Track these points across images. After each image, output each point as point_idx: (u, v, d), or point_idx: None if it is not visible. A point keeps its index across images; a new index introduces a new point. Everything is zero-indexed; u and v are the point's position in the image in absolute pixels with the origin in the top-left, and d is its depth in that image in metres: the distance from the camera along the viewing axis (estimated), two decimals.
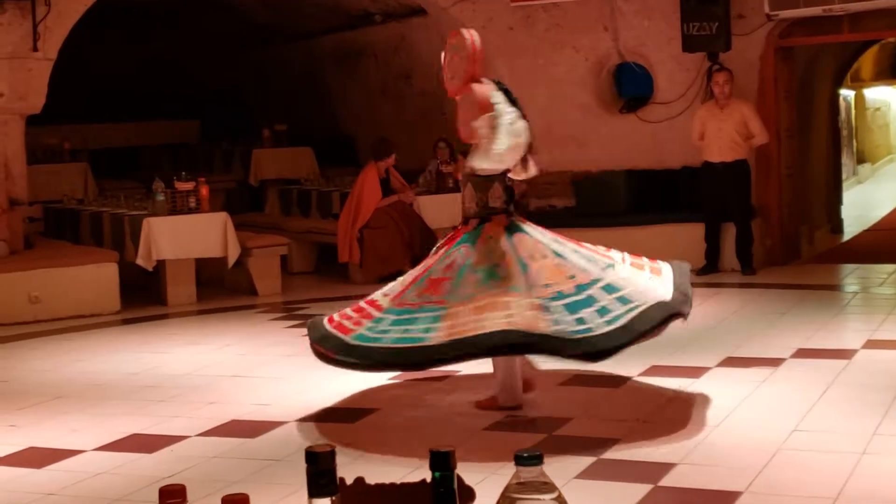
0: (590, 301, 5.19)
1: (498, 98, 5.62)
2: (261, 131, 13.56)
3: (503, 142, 5.53)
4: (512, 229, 5.63)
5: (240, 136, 14.17)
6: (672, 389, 5.95)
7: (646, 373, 6.30)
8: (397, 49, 12.49)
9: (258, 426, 5.63)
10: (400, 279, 5.86)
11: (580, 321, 5.08)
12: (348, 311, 5.69)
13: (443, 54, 5.97)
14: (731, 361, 6.52)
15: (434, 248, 5.97)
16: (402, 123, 12.26)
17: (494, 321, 5.06)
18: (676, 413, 5.52)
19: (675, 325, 5.80)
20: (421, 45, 11.95)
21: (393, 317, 5.37)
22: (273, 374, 6.82)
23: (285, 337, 7.90)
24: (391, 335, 5.25)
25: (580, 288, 5.26)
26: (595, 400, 5.89)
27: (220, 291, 9.86)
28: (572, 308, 5.15)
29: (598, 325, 5.07)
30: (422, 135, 11.53)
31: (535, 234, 5.65)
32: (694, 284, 8.96)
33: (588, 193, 10.59)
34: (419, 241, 9.77)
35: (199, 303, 9.50)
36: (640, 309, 5.18)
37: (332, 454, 1.26)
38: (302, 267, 11.09)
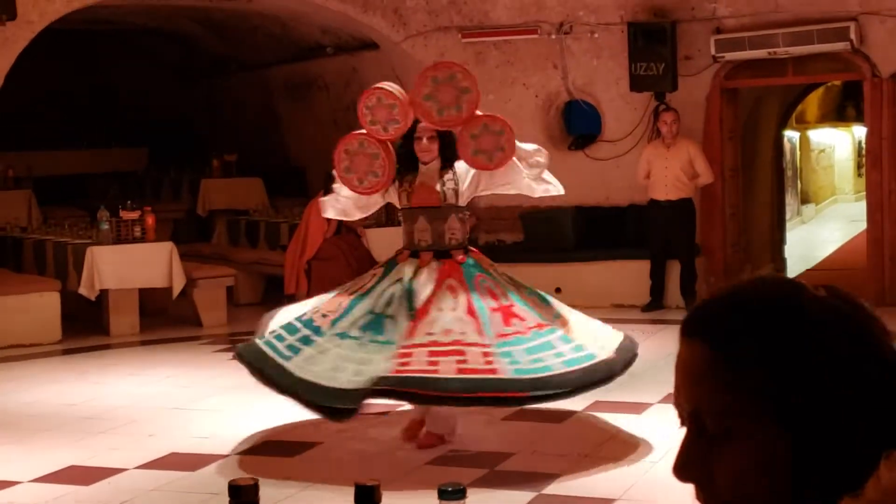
0: (547, 346, 5.30)
1: None
2: (210, 161, 13.48)
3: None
4: (441, 268, 5.64)
5: (189, 166, 14.09)
6: (614, 425, 5.97)
7: (589, 408, 6.32)
8: (349, 82, 12.51)
9: (198, 459, 5.56)
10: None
11: (537, 360, 5.19)
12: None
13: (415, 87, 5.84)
14: (672, 398, 6.55)
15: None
16: None
17: (446, 366, 5.13)
18: (618, 448, 5.54)
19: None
20: (373, 79, 11.91)
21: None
22: (214, 407, 6.75)
23: (228, 369, 7.81)
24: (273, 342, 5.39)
25: (536, 334, 5.35)
26: (538, 435, 5.89)
27: (165, 322, 9.74)
28: (531, 350, 5.25)
29: (556, 365, 5.17)
30: None
31: (471, 277, 5.63)
32: (639, 321, 9.09)
33: (536, 229, 10.65)
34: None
35: (142, 333, 9.38)
36: (596, 360, 5.27)
37: (255, 487, 1.25)
38: (249, 298, 11.00)
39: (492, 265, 5.85)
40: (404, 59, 10.97)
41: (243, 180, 13.21)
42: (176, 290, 9.39)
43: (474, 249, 5.98)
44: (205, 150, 14.21)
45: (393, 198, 5.85)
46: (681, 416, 1.04)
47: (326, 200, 6.29)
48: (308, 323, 5.50)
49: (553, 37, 10.44)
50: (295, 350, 5.34)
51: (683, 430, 1.04)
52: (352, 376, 5.11)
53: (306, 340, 5.37)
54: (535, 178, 5.83)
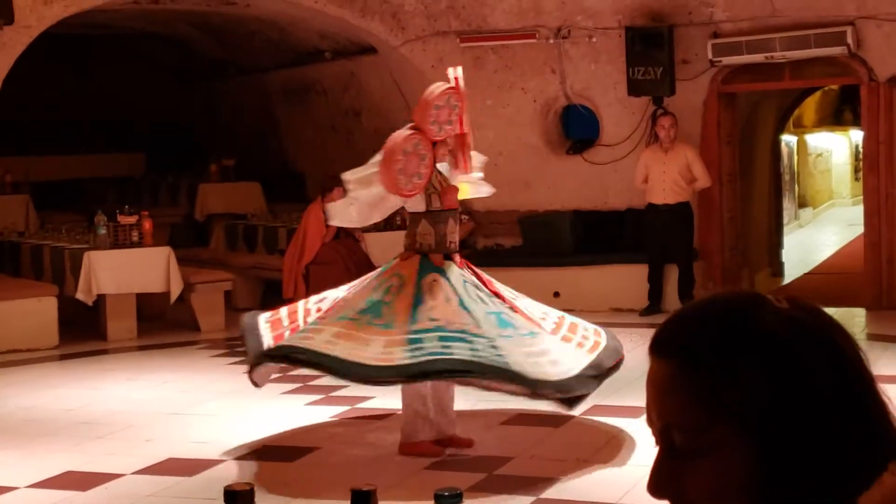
0: (465, 340, 5.21)
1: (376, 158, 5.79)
2: (208, 165, 13.48)
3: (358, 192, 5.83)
4: (426, 268, 5.61)
5: (186, 170, 14.08)
6: (613, 429, 5.97)
7: (587, 412, 6.31)
8: (347, 86, 12.52)
9: (195, 464, 5.55)
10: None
11: (445, 347, 5.15)
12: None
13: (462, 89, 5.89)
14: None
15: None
16: (351, 160, 12.16)
17: (341, 350, 5.20)
18: (616, 452, 5.54)
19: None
20: (371, 83, 11.99)
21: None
22: (212, 412, 6.74)
23: (226, 374, 7.82)
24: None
25: (463, 331, 5.25)
26: (536, 439, 5.89)
27: (162, 327, 9.73)
28: (444, 339, 5.19)
29: (461, 351, 5.13)
30: None
31: (453, 280, 5.55)
32: (637, 325, 9.08)
33: (534, 233, 10.65)
34: None
35: (139, 338, 9.36)
36: (507, 364, 5.13)
37: (250, 493, 1.25)
38: (247, 303, 10.97)
39: None
40: (402, 64, 10.97)
41: (241, 185, 13.21)
42: (173, 295, 9.38)
43: None
44: (203, 155, 14.20)
45: (416, 200, 5.75)
46: (653, 433, 1.06)
47: (334, 207, 6.16)
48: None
49: (551, 41, 10.44)
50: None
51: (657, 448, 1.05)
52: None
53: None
54: (472, 181, 6.11)
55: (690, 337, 1.04)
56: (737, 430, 1.00)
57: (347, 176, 5.90)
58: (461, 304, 5.40)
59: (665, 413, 1.03)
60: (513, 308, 5.56)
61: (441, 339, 5.17)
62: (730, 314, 1.04)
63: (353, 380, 5.41)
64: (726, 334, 1.02)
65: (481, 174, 6.23)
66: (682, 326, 1.06)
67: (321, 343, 5.25)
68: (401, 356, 5.12)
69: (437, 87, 5.72)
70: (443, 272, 5.55)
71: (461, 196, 6.01)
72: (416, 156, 5.61)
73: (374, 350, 5.17)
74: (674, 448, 1.02)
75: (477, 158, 6.17)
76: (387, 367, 5.11)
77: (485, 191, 6.27)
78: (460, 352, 5.10)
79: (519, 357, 5.16)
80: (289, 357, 5.39)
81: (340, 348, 5.20)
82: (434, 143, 5.71)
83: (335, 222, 6.34)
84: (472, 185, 6.19)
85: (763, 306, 1.04)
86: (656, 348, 1.06)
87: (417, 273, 5.53)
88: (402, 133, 5.68)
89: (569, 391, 5.22)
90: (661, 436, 1.04)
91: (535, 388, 5.15)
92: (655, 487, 1.03)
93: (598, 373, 5.43)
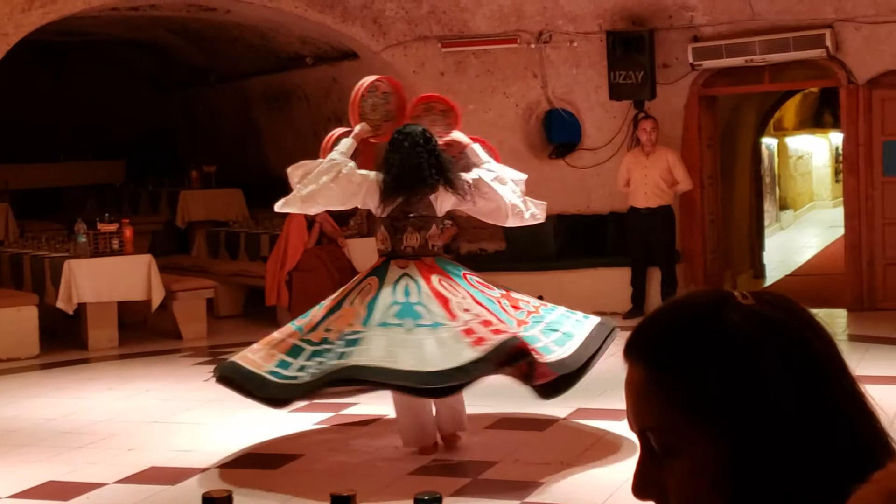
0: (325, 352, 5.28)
1: (340, 146, 6.01)
2: (189, 172, 13.42)
3: (307, 186, 5.91)
4: (376, 272, 5.69)
5: (167, 178, 14.01)
6: (597, 432, 5.97)
7: (572, 415, 6.31)
8: (329, 92, 12.49)
9: (178, 473, 5.51)
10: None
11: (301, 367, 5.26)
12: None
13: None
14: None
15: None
16: None
17: (252, 357, 5.38)
18: (601, 455, 5.53)
19: (600, 369, 5.84)
20: (352, 89, 11.95)
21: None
22: (195, 420, 6.70)
23: (208, 382, 7.76)
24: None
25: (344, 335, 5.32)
26: (521, 443, 5.88)
27: (144, 335, 9.67)
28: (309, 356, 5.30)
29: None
30: None
31: (393, 286, 5.57)
32: (621, 328, 9.07)
33: (518, 237, 10.63)
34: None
35: (120, 347, 9.30)
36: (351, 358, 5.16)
37: (228, 499, 1.23)
38: (229, 310, 10.94)
39: None
40: (384, 69, 10.93)
41: (223, 191, 13.16)
42: (155, 303, 9.33)
43: None
44: (184, 162, 14.15)
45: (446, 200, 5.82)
46: (636, 436, 1.07)
47: (289, 199, 6.05)
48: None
49: (532, 46, 10.46)
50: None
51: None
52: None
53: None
54: None
55: (656, 340, 1.05)
56: (707, 431, 1.00)
57: (290, 170, 5.98)
58: (373, 299, 5.41)
59: (640, 416, 1.05)
60: (443, 302, 5.45)
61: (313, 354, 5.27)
62: (692, 315, 1.05)
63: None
64: (688, 336, 1.03)
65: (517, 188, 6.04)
66: (649, 330, 1.07)
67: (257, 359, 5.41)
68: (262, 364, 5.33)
69: (364, 81, 5.97)
70: (382, 274, 5.57)
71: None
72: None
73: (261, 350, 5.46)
74: (652, 450, 1.04)
75: (518, 176, 6.06)
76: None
77: (536, 215, 6.21)
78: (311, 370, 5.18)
79: (374, 346, 5.14)
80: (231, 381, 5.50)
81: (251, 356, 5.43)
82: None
83: (287, 208, 6.29)
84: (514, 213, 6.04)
85: (727, 304, 1.05)
86: (628, 352, 1.07)
87: (362, 278, 5.63)
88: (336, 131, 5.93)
89: (418, 381, 5.11)
90: (640, 438, 1.05)
91: (367, 377, 5.15)
92: (638, 489, 1.05)
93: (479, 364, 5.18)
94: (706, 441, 1.00)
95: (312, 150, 12.80)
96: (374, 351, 5.10)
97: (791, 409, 1.00)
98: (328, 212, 10.25)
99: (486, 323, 5.29)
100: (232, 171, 13.51)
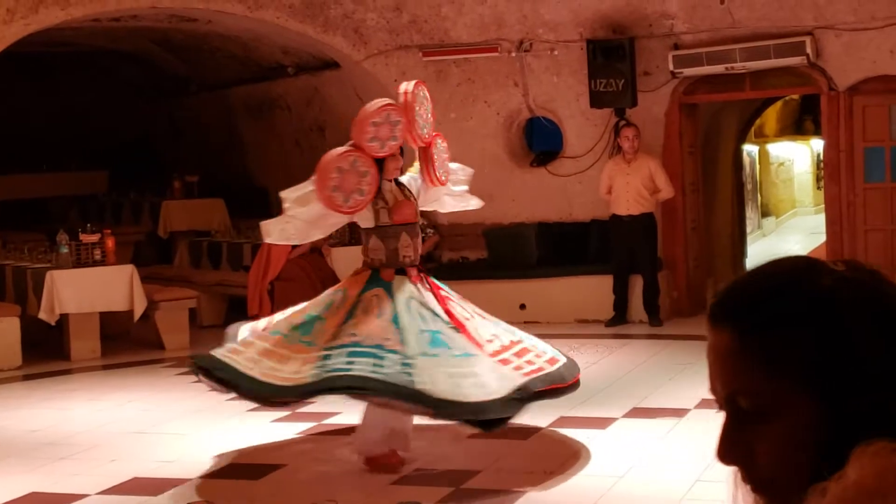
0: (374, 356, 5.21)
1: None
2: (171, 182, 13.40)
3: (297, 210, 5.79)
4: (371, 283, 5.65)
5: (149, 188, 13.98)
6: (579, 440, 5.98)
7: (554, 424, 6.32)
8: (311, 101, 12.50)
9: (161, 483, 5.50)
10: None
11: (349, 363, 5.18)
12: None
13: (408, 103, 5.87)
14: (637, 412, 6.58)
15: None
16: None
17: (259, 368, 5.28)
18: (583, 464, 5.55)
19: (583, 377, 5.87)
20: (334, 98, 11.98)
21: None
22: (177, 431, 6.68)
23: (191, 392, 7.75)
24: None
25: (378, 346, 5.27)
26: (503, 452, 5.89)
27: (126, 346, 9.64)
28: (352, 354, 5.23)
29: (362, 368, 5.13)
30: None
31: (397, 297, 5.56)
32: (602, 336, 9.12)
33: (499, 246, 10.67)
34: None
35: (103, 358, 9.27)
36: (413, 381, 5.13)
37: None
38: (212, 320, 10.90)
39: None
40: (365, 78, 10.98)
41: (205, 201, 13.13)
42: (137, 314, 9.31)
43: None
44: (166, 172, 14.12)
45: (364, 216, 5.76)
46: (718, 401, 1.08)
47: (269, 224, 5.91)
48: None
49: (513, 55, 10.49)
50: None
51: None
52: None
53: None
54: (455, 194, 6.31)
55: (750, 304, 1.07)
56: (799, 392, 1.02)
57: (285, 194, 5.85)
58: (394, 319, 5.41)
59: (729, 380, 1.06)
60: (459, 328, 5.51)
61: (350, 353, 5.22)
62: (786, 279, 1.07)
63: (256, 400, 5.57)
64: (784, 299, 1.05)
65: (465, 187, 6.36)
66: (741, 294, 1.09)
67: (244, 360, 5.34)
68: (308, 373, 5.16)
69: (375, 104, 5.78)
70: (388, 287, 5.56)
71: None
72: (355, 173, 5.59)
73: (290, 369, 5.23)
74: (739, 415, 1.05)
75: (464, 171, 6.33)
76: (288, 387, 5.17)
77: (473, 203, 6.42)
78: (361, 367, 5.12)
79: (436, 376, 5.13)
80: (209, 372, 5.41)
81: (260, 368, 5.27)
82: (383, 160, 5.70)
83: (271, 239, 6.16)
84: (453, 198, 6.23)
85: (818, 270, 1.07)
86: (716, 317, 1.09)
87: (362, 289, 5.57)
88: (337, 151, 5.72)
89: (483, 413, 5.14)
90: (727, 403, 1.06)
91: (436, 407, 5.10)
92: (724, 454, 1.06)
93: (524, 395, 5.29)
94: (800, 403, 1.02)
95: (295, 158, 12.86)
96: (441, 384, 5.11)
97: (884, 370, 1.02)
98: None
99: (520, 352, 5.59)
100: (214, 180, 13.49)
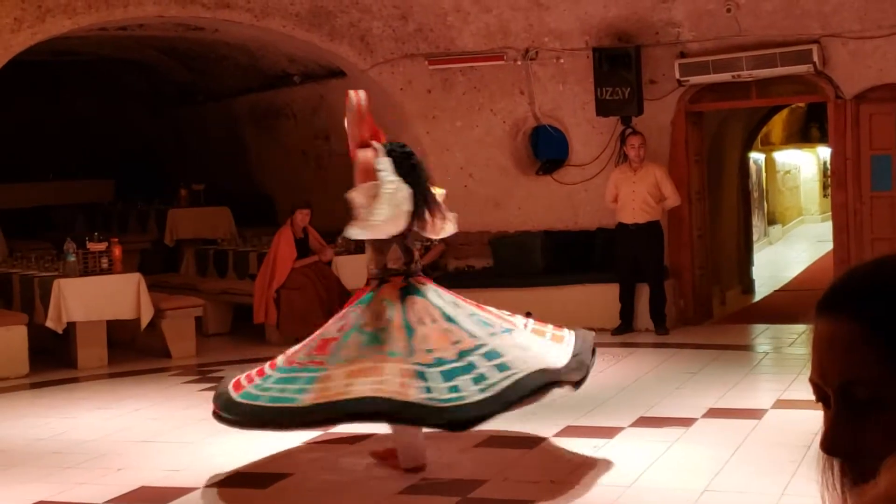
0: (468, 368, 5.20)
1: (382, 165, 5.64)
2: (178, 191, 13.43)
3: (382, 211, 5.55)
4: (407, 291, 5.62)
5: (156, 196, 14.02)
6: (586, 450, 5.97)
7: (560, 433, 6.31)
8: (316, 110, 12.52)
9: (168, 493, 5.50)
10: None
11: (454, 389, 5.11)
12: (253, 370, 5.69)
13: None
14: (644, 421, 6.57)
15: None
16: (321, 183, 12.26)
17: (362, 387, 5.08)
18: (590, 473, 5.54)
19: (589, 386, 5.86)
20: (340, 107, 11.87)
21: (278, 375, 5.42)
22: (185, 439, 6.69)
23: (198, 400, 7.75)
24: (270, 393, 5.28)
25: (462, 354, 5.28)
26: (510, 461, 5.88)
27: (133, 354, 9.64)
28: (448, 375, 5.16)
29: (471, 394, 5.09)
30: (341, 195, 11.50)
31: (431, 297, 5.63)
32: (609, 344, 9.11)
33: (505, 254, 10.67)
34: (336, 302, 9.69)
35: (110, 366, 9.28)
36: (516, 377, 5.18)
37: None
38: (218, 328, 10.93)
39: None
40: (371, 87, 10.94)
41: (211, 210, 13.16)
42: (144, 322, 9.32)
43: None
44: (172, 180, 14.15)
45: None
46: (818, 393, 1.08)
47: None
48: (307, 366, 5.43)
49: (519, 63, 10.50)
50: (303, 390, 5.28)
51: (819, 410, 1.07)
52: (369, 385, 5.17)
53: (310, 380, 5.31)
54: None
55: (871, 294, 1.06)
56: None
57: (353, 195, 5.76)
58: (445, 317, 5.44)
59: (844, 370, 1.05)
60: (482, 310, 5.72)
61: (444, 375, 5.14)
62: None
63: (395, 420, 5.34)
64: None
65: (381, 216, 5.84)
66: (860, 284, 1.08)
67: (336, 391, 5.15)
68: (416, 394, 5.04)
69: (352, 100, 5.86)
70: (420, 292, 5.60)
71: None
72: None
73: (392, 380, 5.12)
74: (851, 404, 1.04)
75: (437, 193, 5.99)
76: (416, 406, 5.01)
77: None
78: (471, 392, 5.06)
79: (516, 356, 5.28)
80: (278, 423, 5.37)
81: (359, 387, 5.12)
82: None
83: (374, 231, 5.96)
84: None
85: None
86: (833, 306, 1.08)
87: (399, 296, 5.57)
88: (367, 151, 5.74)
89: (569, 375, 5.40)
90: (840, 394, 1.05)
91: (544, 388, 5.29)
92: (832, 445, 1.05)
93: (582, 360, 5.57)
94: None
95: (301, 167, 12.87)
96: (531, 360, 5.27)
97: None
98: (314, 227, 10.29)
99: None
100: (220, 189, 13.51)
